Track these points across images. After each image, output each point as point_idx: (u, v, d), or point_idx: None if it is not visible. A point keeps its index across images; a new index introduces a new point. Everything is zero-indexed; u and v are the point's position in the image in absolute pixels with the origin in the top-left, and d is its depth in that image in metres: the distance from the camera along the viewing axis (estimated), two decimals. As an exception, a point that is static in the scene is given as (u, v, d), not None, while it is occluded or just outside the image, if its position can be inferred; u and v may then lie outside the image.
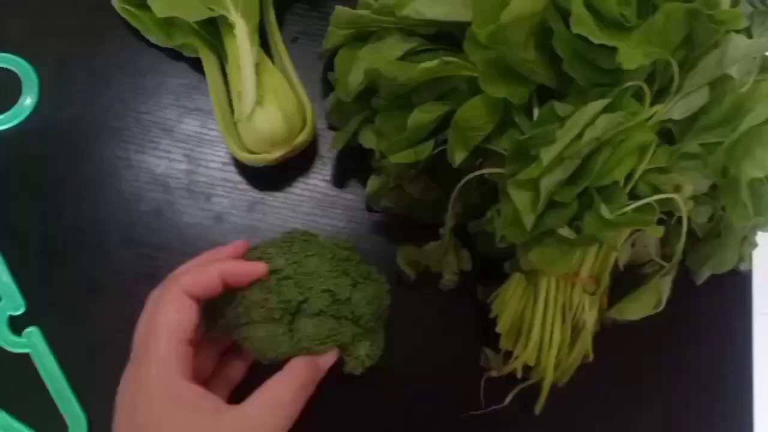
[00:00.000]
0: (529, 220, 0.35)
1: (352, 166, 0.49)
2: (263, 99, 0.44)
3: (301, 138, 0.46)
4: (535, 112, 0.38)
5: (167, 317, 0.33)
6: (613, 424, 0.46)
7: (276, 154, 0.45)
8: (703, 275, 0.46)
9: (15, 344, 0.42)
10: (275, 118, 0.44)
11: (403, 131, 0.41)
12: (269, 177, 0.48)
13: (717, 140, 0.37)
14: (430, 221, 0.46)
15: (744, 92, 0.37)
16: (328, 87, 0.50)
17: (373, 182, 0.47)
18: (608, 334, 0.43)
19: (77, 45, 0.49)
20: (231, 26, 0.45)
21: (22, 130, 0.47)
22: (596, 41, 0.33)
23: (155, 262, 0.45)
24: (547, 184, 0.34)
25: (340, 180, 0.49)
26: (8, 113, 0.47)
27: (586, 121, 0.34)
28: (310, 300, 0.36)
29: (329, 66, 0.50)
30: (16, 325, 0.43)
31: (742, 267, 0.46)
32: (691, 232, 0.43)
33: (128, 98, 0.48)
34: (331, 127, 0.50)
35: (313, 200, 0.48)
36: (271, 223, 0.48)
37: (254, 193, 0.48)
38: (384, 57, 0.42)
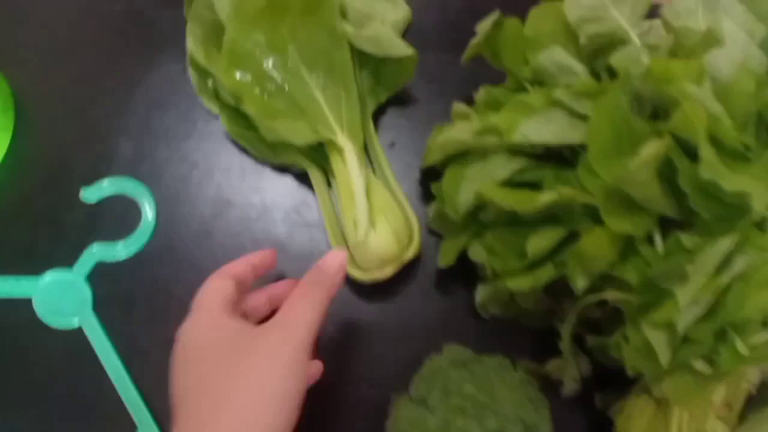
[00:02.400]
0: (665, 359, 0.35)
1: (457, 272, 0.49)
2: (374, 221, 0.45)
3: (410, 253, 0.47)
4: (657, 240, 0.37)
5: (211, 285, 0.39)
6: None
7: (387, 271, 0.46)
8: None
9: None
10: (387, 239, 0.45)
11: (515, 248, 0.42)
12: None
13: None
14: (539, 327, 0.46)
15: None
16: (426, 192, 0.51)
17: (482, 292, 0.47)
18: None
19: (192, 169, 0.52)
20: (339, 150, 0.47)
21: (145, 253, 0.50)
22: (728, 188, 0.32)
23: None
24: (683, 324, 0.34)
25: (444, 287, 0.50)
26: (131, 237, 0.50)
27: (720, 258, 0.34)
28: (506, 429, 0.38)
29: (426, 174, 0.51)
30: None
31: None
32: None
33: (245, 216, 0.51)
34: (431, 232, 0.51)
35: (419, 308, 0.49)
36: (384, 331, 0.49)
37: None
38: (489, 178, 0.42)
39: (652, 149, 0.33)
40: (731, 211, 0.35)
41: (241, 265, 0.41)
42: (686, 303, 0.33)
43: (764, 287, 0.35)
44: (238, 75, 0.46)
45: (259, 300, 0.43)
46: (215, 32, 0.49)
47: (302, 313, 0.36)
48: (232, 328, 0.37)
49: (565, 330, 0.43)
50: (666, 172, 0.36)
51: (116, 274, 0.49)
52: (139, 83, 0.53)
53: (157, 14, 0.55)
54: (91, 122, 0.52)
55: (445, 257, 0.47)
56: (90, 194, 0.50)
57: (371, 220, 0.45)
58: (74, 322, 0.47)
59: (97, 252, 0.49)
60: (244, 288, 0.42)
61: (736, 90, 0.36)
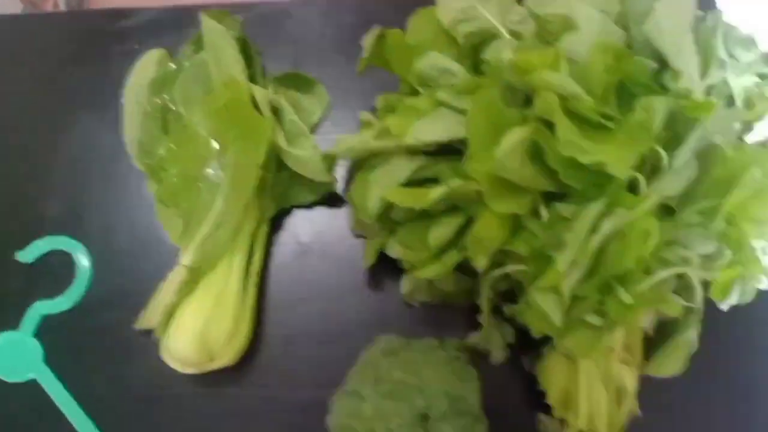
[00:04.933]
0: (557, 319, 0.39)
1: (384, 270, 0.53)
2: (181, 322, 0.47)
3: (222, 362, 0.48)
4: (543, 213, 0.41)
5: None
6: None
7: (191, 369, 0.47)
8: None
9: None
10: (184, 341, 0.46)
11: (425, 242, 0.45)
12: (311, 293, 0.53)
13: (713, 205, 0.40)
14: (464, 305, 0.50)
15: (733, 158, 0.40)
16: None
17: (407, 283, 0.51)
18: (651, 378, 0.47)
19: (119, 217, 0.54)
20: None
21: (86, 302, 0.52)
22: (585, 161, 0.36)
23: (229, 400, 0.50)
24: (567, 285, 0.38)
25: (375, 285, 0.53)
26: (70, 289, 0.52)
27: (590, 222, 0.38)
28: (434, 405, 0.42)
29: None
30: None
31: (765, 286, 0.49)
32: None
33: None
34: (359, 236, 0.54)
35: (355, 308, 0.52)
36: (326, 339, 0.52)
37: (303, 314, 0.52)
38: (392, 180, 0.46)
39: (514, 136, 0.37)
40: (599, 179, 0.39)
41: None
42: (566, 267, 0.37)
43: (639, 240, 0.39)
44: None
45: None
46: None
47: None
48: None
49: (483, 304, 0.46)
50: (538, 153, 0.39)
51: (63, 326, 0.51)
52: (59, 143, 0.56)
53: (64, 74, 0.57)
54: (17, 188, 0.55)
55: (368, 257, 0.51)
56: (25, 256, 0.52)
57: (175, 318, 0.47)
58: (28, 376, 0.49)
59: (39, 308, 0.51)
60: None
61: (592, 68, 0.40)
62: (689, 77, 0.40)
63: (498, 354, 0.49)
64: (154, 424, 0.49)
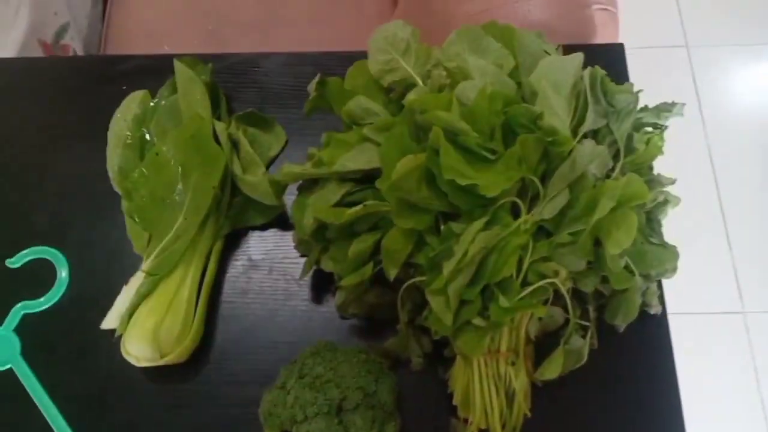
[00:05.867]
0: (447, 319, 0.46)
1: (323, 285, 0.60)
2: (139, 319, 0.54)
3: (171, 358, 0.54)
4: (442, 229, 0.49)
5: None
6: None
7: (144, 362, 0.54)
8: (621, 326, 0.55)
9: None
10: (138, 337, 0.53)
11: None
12: (258, 303, 0.60)
13: (581, 228, 0.47)
14: (394, 318, 0.57)
15: (595, 189, 0.47)
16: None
17: (339, 296, 0.58)
18: (552, 385, 0.53)
19: (96, 232, 0.63)
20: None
21: (62, 305, 0.60)
22: (463, 183, 0.44)
23: (180, 395, 0.57)
24: (453, 289, 0.45)
25: (315, 299, 0.60)
26: (50, 293, 0.60)
27: (471, 237, 0.45)
28: (348, 397, 0.48)
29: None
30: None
31: (653, 311, 0.56)
32: (600, 293, 0.53)
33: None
34: (303, 255, 0.62)
35: (296, 318, 0.59)
36: (267, 344, 0.59)
37: (249, 322, 0.59)
38: (325, 202, 0.54)
39: (407, 162, 0.45)
40: (483, 201, 0.47)
41: None
42: (450, 272, 0.44)
43: (514, 253, 0.46)
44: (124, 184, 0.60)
45: None
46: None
47: None
48: None
49: (400, 312, 0.53)
50: (432, 180, 0.47)
51: (40, 324, 0.59)
52: (50, 165, 0.65)
53: (62, 107, 0.68)
54: (11, 202, 0.64)
55: (304, 271, 0.58)
56: (13, 263, 0.61)
57: (133, 318, 0.54)
58: (6, 366, 0.57)
59: (20, 307, 0.59)
60: None
61: (477, 110, 0.48)
62: (559, 121, 0.47)
63: (416, 362, 0.55)
64: (113, 412, 0.56)
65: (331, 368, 0.50)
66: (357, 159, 0.53)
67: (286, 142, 0.67)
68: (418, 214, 0.48)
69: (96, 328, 0.57)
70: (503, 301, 0.45)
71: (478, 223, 0.45)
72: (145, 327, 0.54)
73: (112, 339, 0.55)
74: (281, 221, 0.63)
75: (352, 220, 0.52)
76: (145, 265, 0.56)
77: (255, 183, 0.59)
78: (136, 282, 0.56)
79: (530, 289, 0.46)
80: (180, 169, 0.59)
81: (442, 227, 0.49)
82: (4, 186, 0.65)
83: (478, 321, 0.46)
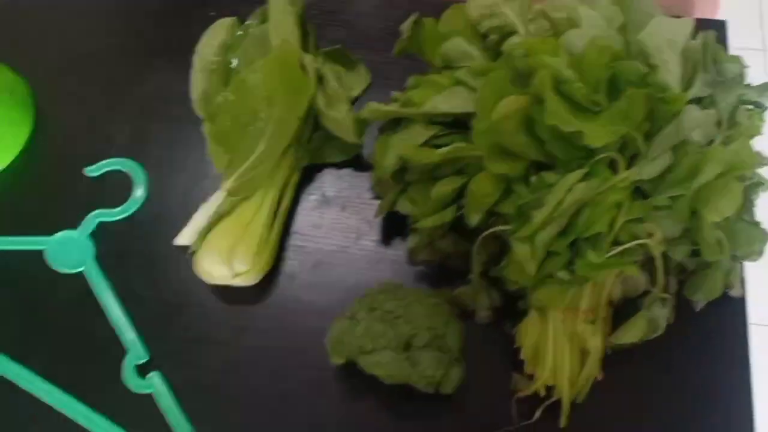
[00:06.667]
0: (530, 268, 0.45)
1: (395, 229, 0.59)
2: (212, 237, 0.55)
3: (241, 280, 0.55)
4: (532, 179, 0.48)
5: None
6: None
7: (216, 280, 0.55)
8: (699, 303, 0.53)
9: (140, 386, 0.54)
10: (211, 255, 0.54)
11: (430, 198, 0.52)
12: (329, 239, 0.60)
13: (681, 193, 0.45)
14: (463, 269, 0.56)
15: (700, 155, 0.45)
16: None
17: (411, 241, 0.57)
18: (622, 355, 0.51)
19: (177, 149, 0.63)
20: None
21: (135, 219, 0.61)
22: (567, 130, 0.43)
23: (247, 316, 0.57)
24: (541, 238, 0.44)
25: (386, 241, 0.60)
26: (127, 204, 0.61)
27: (567, 188, 0.44)
28: (418, 335, 0.48)
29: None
30: (142, 372, 0.55)
31: (733, 294, 0.54)
32: (683, 267, 0.52)
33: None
34: (376, 197, 0.61)
35: (365, 258, 0.59)
36: (334, 278, 0.59)
37: (319, 255, 0.59)
38: (411, 143, 0.53)
39: (509, 103, 0.44)
40: (582, 152, 0.45)
41: None
42: (541, 221, 0.43)
43: (610, 210, 0.45)
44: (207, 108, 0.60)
45: None
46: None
47: None
48: None
49: (474, 261, 0.52)
50: (531, 126, 0.46)
51: (114, 235, 0.60)
52: (136, 82, 0.66)
53: (150, 27, 0.68)
54: (95, 113, 0.65)
55: (380, 210, 0.58)
56: (92, 171, 0.62)
57: (209, 236, 0.55)
58: (79, 269, 0.58)
59: (98, 215, 0.60)
60: None
61: (586, 60, 0.46)
62: (672, 77, 0.45)
63: (482, 314, 0.55)
64: (180, 326, 0.57)
65: (402, 306, 0.50)
66: (449, 101, 0.52)
67: (369, 84, 0.66)
68: (511, 160, 0.47)
69: (169, 243, 0.57)
70: (593, 257, 0.44)
71: (576, 174, 0.44)
72: (222, 245, 0.54)
73: (185, 255, 0.56)
74: (357, 161, 0.62)
75: (437, 163, 0.51)
76: (226, 184, 0.56)
77: (339, 119, 0.59)
78: (215, 201, 0.56)
79: (621, 248, 0.45)
80: (265, 96, 0.58)
81: (531, 178, 0.48)
82: (89, 98, 0.66)
83: (563, 274, 0.45)
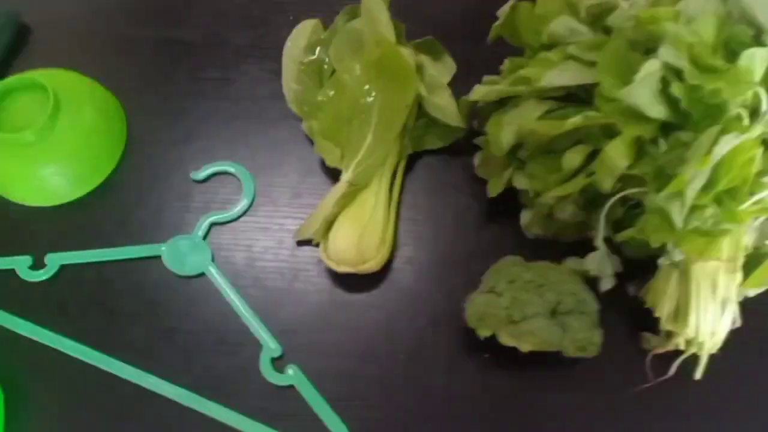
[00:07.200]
0: (679, 221, 0.47)
1: (505, 206, 0.60)
2: (340, 228, 0.56)
3: (370, 266, 0.56)
4: (661, 143, 0.50)
5: None
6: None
7: (345, 268, 0.56)
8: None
9: (280, 379, 0.54)
10: (343, 244, 0.55)
11: (553, 172, 0.54)
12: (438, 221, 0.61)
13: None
14: (574, 240, 0.58)
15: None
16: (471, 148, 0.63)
17: (525, 215, 0.59)
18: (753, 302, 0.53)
19: (278, 149, 0.64)
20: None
21: (247, 217, 0.61)
22: (708, 87, 0.45)
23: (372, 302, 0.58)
24: (690, 192, 0.46)
25: (496, 219, 0.61)
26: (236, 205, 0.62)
27: (710, 141, 0.46)
28: (563, 301, 0.49)
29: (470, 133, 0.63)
30: (277, 365, 0.55)
31: None
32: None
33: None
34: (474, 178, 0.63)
35: (480, 238, 0.61)
36: (450, 259, 0.60)
37: (432, 238, 0.61)
38: (528, 118, 0.55)
39: (649, 66, 0.46)
40: (713, 110, 0.48)
41: None
42: (689, 176, 0.45)
43: (748, 162, 0.47)
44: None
45: None
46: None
47: None
48: None
49: (599, 228, 0.54)
50: (661, 89, 0.48)
51: (227, 236, 0.61)
52: (228, 87, 0.67)
53: (232, 36, 0.69)
54: (190, 124, 0.65)
55: (493, 189, 0.59)
56: (198, 175, 0.62)
57: (336, 225, 0.56)
58: (199, 271, 0.58)
59: (209, 218, 0.60)
60: None
61: (704, 24, 0.49)
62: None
63: (606, 282, 0.56)
64: (305, 318, 0.58)
65: (541, 276, 0.51)
66: (563, 76, 0.54)
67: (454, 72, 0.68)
68: (644, 122, 0.49)
69: (279, 234, 0.58)
70: (736, 206, 0.46)
71: (714, 129, 0.46)
72: (350, 234, 0.55)
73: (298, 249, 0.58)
74: (456, 146, 0.64)
75: (555, 136, 0.53)
76: (347, 175, 0.57)
77: (443, 105, 0.60)
78: (338, 191, 0.57)
79: (758, 196, 0.47)
80: (366, 89, 0.60)
81: (660, 140, 0.50)
82: (189, 106, 0.67)
83: (711, 225, 0.47)
